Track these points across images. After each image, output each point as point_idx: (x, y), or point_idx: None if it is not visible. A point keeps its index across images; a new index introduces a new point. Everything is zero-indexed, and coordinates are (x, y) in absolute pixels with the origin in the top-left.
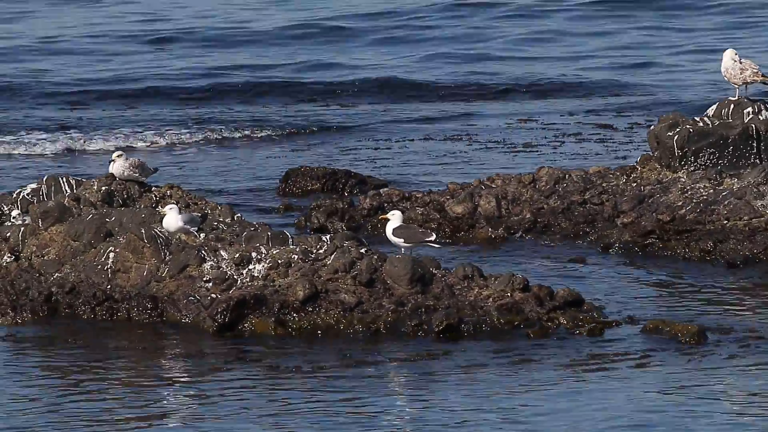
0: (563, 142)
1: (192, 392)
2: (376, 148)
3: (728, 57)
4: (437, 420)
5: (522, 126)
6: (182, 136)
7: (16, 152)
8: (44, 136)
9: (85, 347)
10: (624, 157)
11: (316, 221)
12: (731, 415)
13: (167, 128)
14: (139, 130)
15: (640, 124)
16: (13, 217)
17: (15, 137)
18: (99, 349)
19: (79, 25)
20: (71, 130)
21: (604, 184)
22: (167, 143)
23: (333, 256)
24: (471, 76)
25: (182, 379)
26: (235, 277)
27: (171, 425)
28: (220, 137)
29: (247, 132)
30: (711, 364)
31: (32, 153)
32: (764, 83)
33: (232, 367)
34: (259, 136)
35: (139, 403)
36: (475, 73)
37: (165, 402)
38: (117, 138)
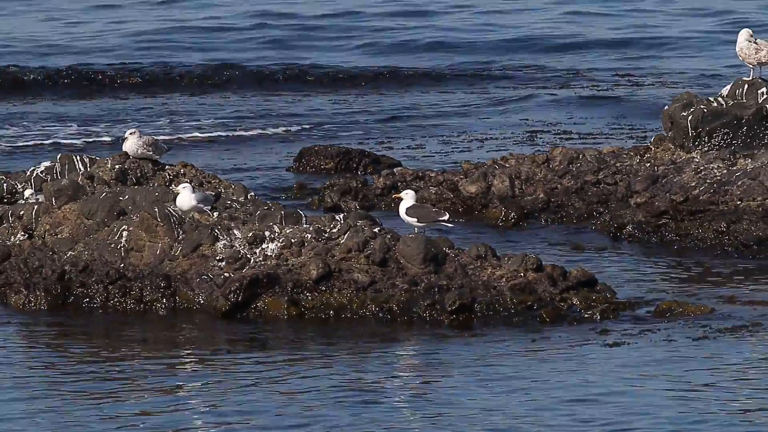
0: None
1: (205, 373)
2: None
3: (743, 37)
4: (449, 399)
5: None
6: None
7: None
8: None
9: (97, 334)
10: (644, 137)
11: (329, 200)
12: (739, 394)
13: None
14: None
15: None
16: (26, 198)
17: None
18: (111, 335)
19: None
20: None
21: (617, 164)
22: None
23: (346, 235)
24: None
25: (195, 362)
26: (248, 256)
27: (186, 407)
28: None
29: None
30: (722, 344)
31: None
32: None
33: (244, 347)
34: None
35: (154, 386)
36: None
37: (178, 385)
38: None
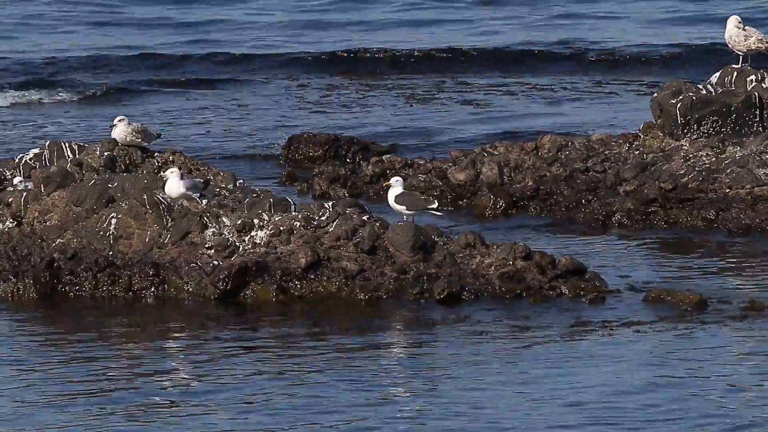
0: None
1: (193, 364)
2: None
3: (732, 24)
4: (442, 391)
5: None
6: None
7: None
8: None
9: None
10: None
11: (318, 188)
12: (728, 382)
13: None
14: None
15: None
16: (15, 185)
17: None
18: (101, 323)
19: None
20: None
21: (606, 152)
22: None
23: (335, 223)
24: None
25: (183, 351)
26: (237, 243)
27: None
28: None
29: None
30: (711, 332)
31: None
32: None
33: (235, 335)
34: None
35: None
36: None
37: (167, 376)
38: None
